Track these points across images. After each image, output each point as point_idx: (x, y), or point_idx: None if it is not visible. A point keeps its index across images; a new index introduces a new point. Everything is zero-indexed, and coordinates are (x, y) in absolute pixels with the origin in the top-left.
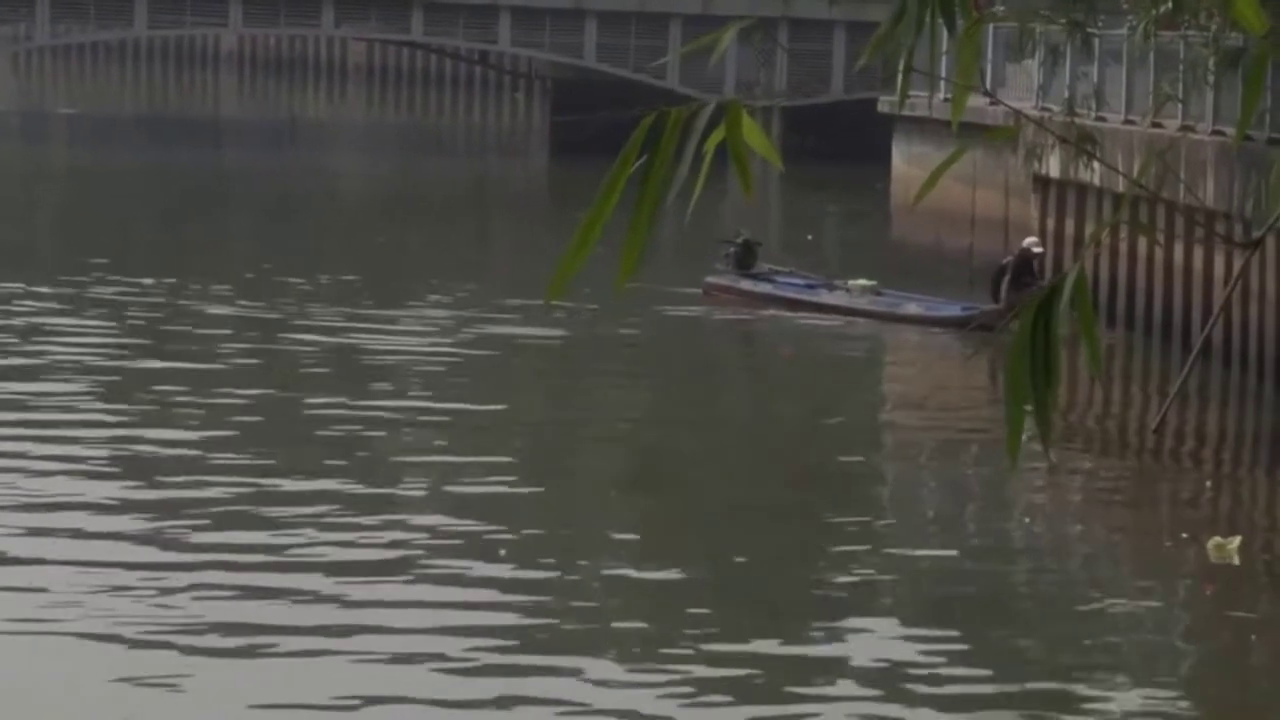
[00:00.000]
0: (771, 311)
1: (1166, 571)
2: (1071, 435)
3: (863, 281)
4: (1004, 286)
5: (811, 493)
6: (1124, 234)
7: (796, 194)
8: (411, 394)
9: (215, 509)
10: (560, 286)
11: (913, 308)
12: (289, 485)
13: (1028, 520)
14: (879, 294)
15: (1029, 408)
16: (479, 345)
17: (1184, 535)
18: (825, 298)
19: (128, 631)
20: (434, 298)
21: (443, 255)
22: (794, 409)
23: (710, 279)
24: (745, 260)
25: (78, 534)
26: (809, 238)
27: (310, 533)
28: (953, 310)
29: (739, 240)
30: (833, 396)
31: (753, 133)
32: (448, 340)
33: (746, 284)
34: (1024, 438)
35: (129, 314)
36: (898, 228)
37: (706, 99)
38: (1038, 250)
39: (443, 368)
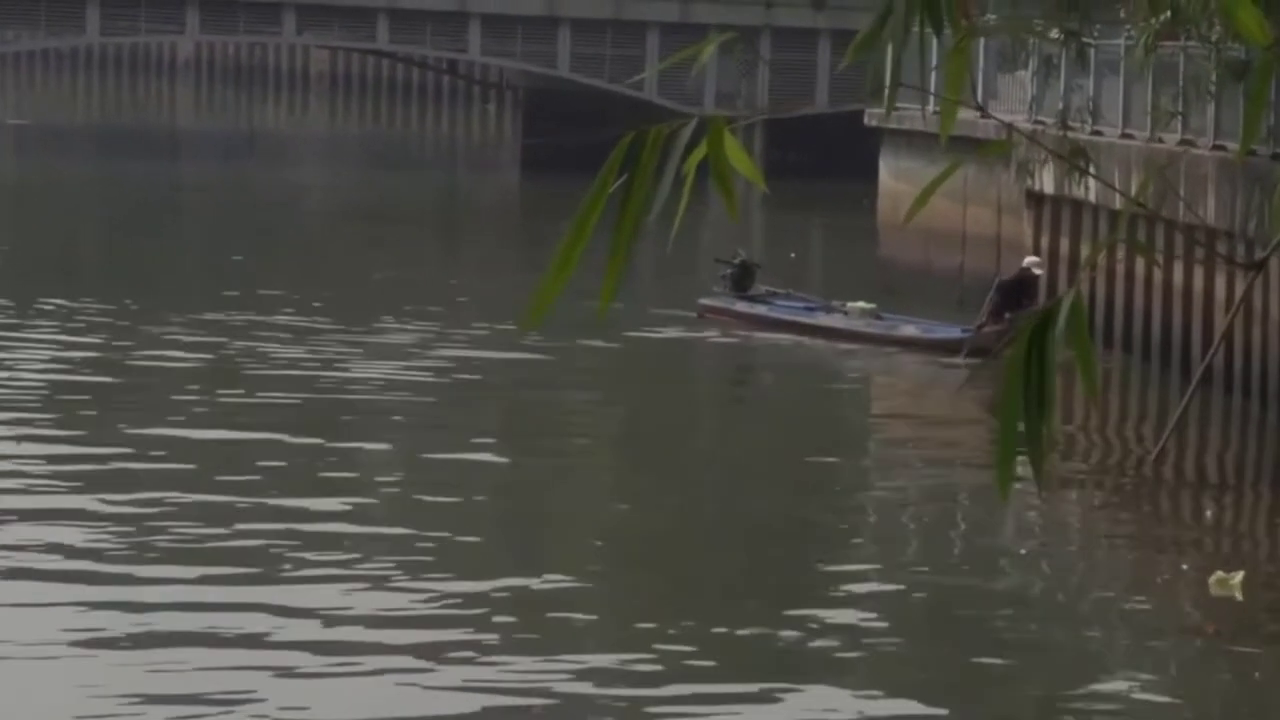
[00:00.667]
0: (767, 334)
1: (1166, 607)
2: (1066, 465)
3: (861, 304)
4: (985, 306)
5: (794, 527)
6: (1121, 254)
7: (779, 211)
8: (375, 423)
9: (164, 540)
10: (539, 313)
11: (910, 331)
12: (244, 523)
13: (1021, 553)
14: (879, 317)
15: (1021, 438)
16: (449, 371)
17: (1184, 569)
18: (822, 320)
19: (76, 665)
20: (400, 320)
21: (409, 275)
22: (781, 437)
23: (705, 300)
24: (742, 281)
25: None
26: (792, 256)
27: (268, 570)
28: (951, 333)
29: (736, 261)
30: (821, 424)
31: (736, 153)
32: (415, 366)
33: (742, 306)
34: (1016, 469)
35: (72, 335)
36: (885, 246)
37: (685, 111)
38: (1038, 272)
39: (410, 395)
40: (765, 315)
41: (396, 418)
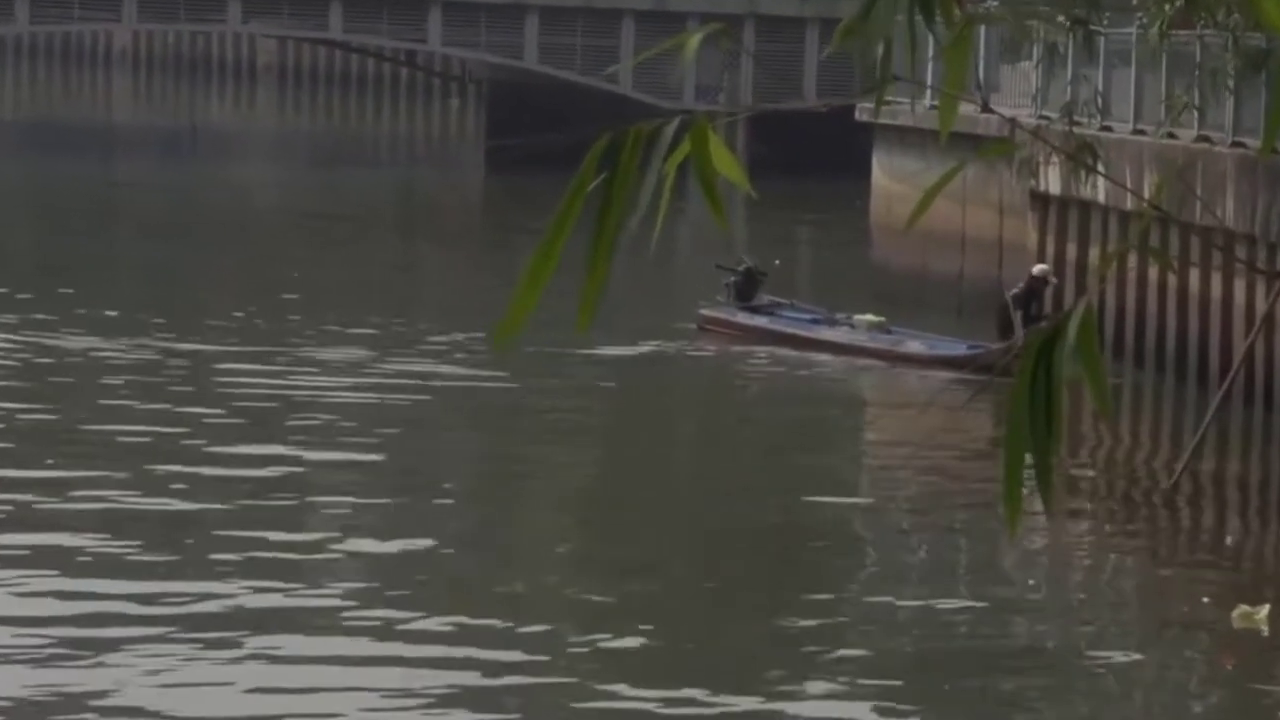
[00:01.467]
0: (769, 348)
1: (1184, 642)
2: (1077, 489)
3: (869, 317)
4: (1016, 322)
5: (785, 561)
6: (1133, 260)
7: (764, 212)
8: (330, 450)
9: (96, 564)
10: (511, 330)
11: (915, 346)
12: (187, 554)
13: (1029, 584)
14: (887, 331)
15: (1029, 461)
16: (410, 389)
17: (1205, 601)
18: (824, 334)
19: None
20: (357, 333)
21: (364, 283)
22: (773, 461)
23: (705, 311)
24: (746, 291)
25: None
26: (776, 263)
27: (220, 598)
28: (957, 349)
29: (740, 268)
30: (816, 448)
31: (721, 156)
32: (372, 383)
33: (743, 317)
34: (1024, 493)
35: None
36: (878, 250)
37: (663, 106)
38: (1053, 280)
39: (370, 418)
40: (766, 328)
41: (352, 439)
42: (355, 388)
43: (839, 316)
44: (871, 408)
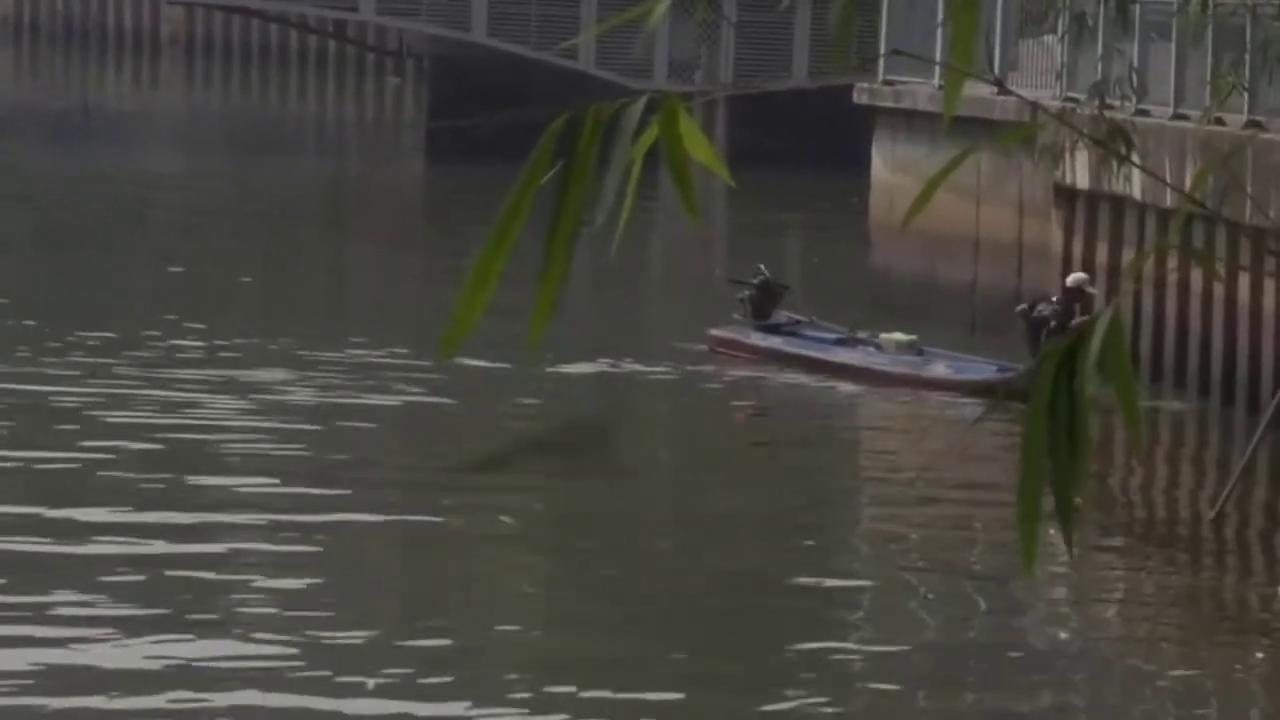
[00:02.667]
0: (784, 374)
1: (1227, 697)
2: (1105, 529)
3: (897, 336)
4: (1042, 340)
5: (784, 602)
6: (1173, 262)
7: (746, 208)
8: (249, 491)
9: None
10: (456, 339)
11: (939, 369)
12: (84, 607)
13: (1051, 631)
14: (918, 352)
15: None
16: (347, 415)
17: (1259, 657)
18: (842, 356)
19: None
20: (281, 347)
21: (286, 289)
22: (773, 499)
23: (715, 331)
24: (763, 307)
25: None
26: (760, 268)
27: (128, 647)
28: (985, 372)
29: (756, 280)
30: (821, 483)
31: (695, 140)
32: (299, 407)
33: (756, 338)
34: (1044, 529)
35: None
36: (879, 254)
37: (630, 86)
38: (1090, 290)
39: (295, 444)
40: (781, 350)
41: (273, 479)
42: (280, 413)
43: (861, 335)
44: (882, 440)
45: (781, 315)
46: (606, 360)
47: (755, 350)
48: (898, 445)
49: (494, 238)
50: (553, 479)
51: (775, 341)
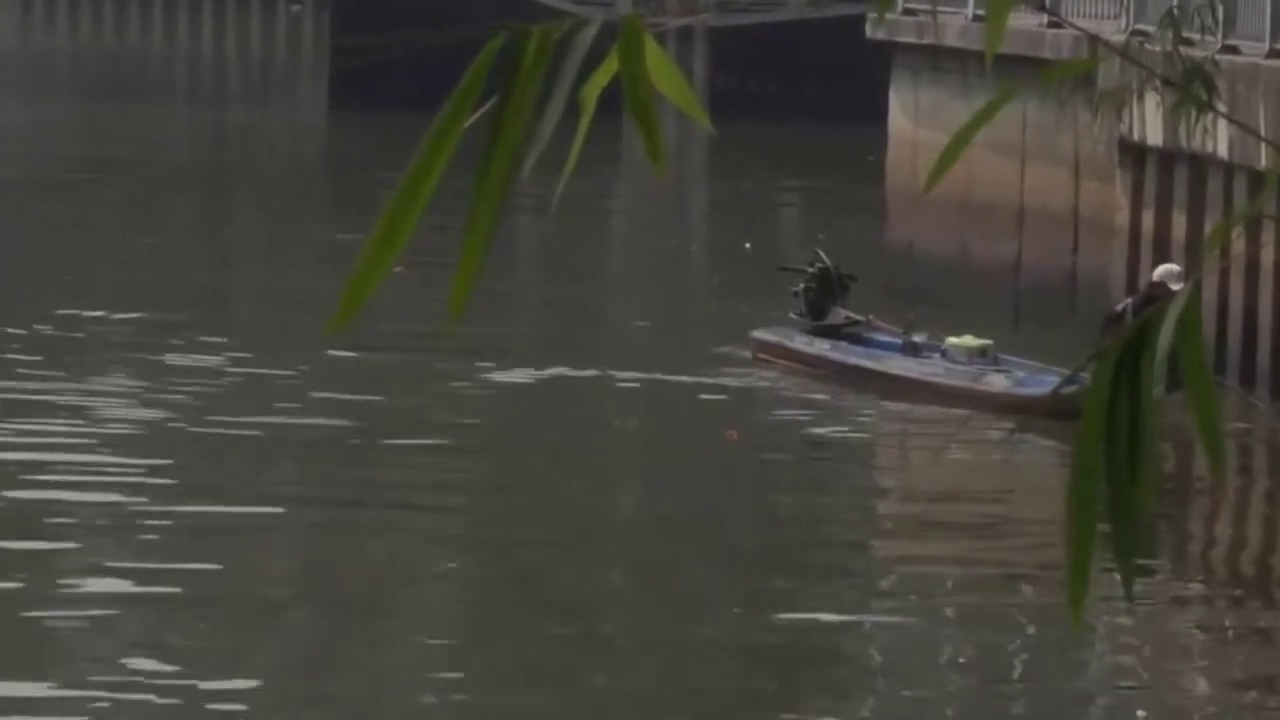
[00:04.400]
0: (829, 385)
1: None
2: (1173, 570)
3: (968, 340)
4: None
5: (801, 655)
6: (1268, 237)
7: (730, 168)
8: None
9: None
10: (350, 309)
11: (999, 382)
12: None
13: (1102, 702)
14: (993, 360)
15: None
16: (221, 411)
17: None
18: (894, 366)
19: None
20: (146, 339)
21: (158, 265)
22: (790, 539)
23: (759, 334)
24: (820, 301)
25: None
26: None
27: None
28: (1048, 385)
29: (814, 268)
30: (847, 517)
31: (663, 70)
32: (180, 410)
33: (801, 342)
34: (1096, 572)
35: None
36: (898, 227)
37: (581, 13)
38: (1177, 287)
39: (187, 455)
40: (827, 357)
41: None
42: (154, 416)
43: (919, 339)
44: (920, 469)
45: (839, 314)
46: (633, 371)
47: (800, 357)
48: (928, 471)
49: (406, 186)
50: (564, 508)
51: (822, 347)
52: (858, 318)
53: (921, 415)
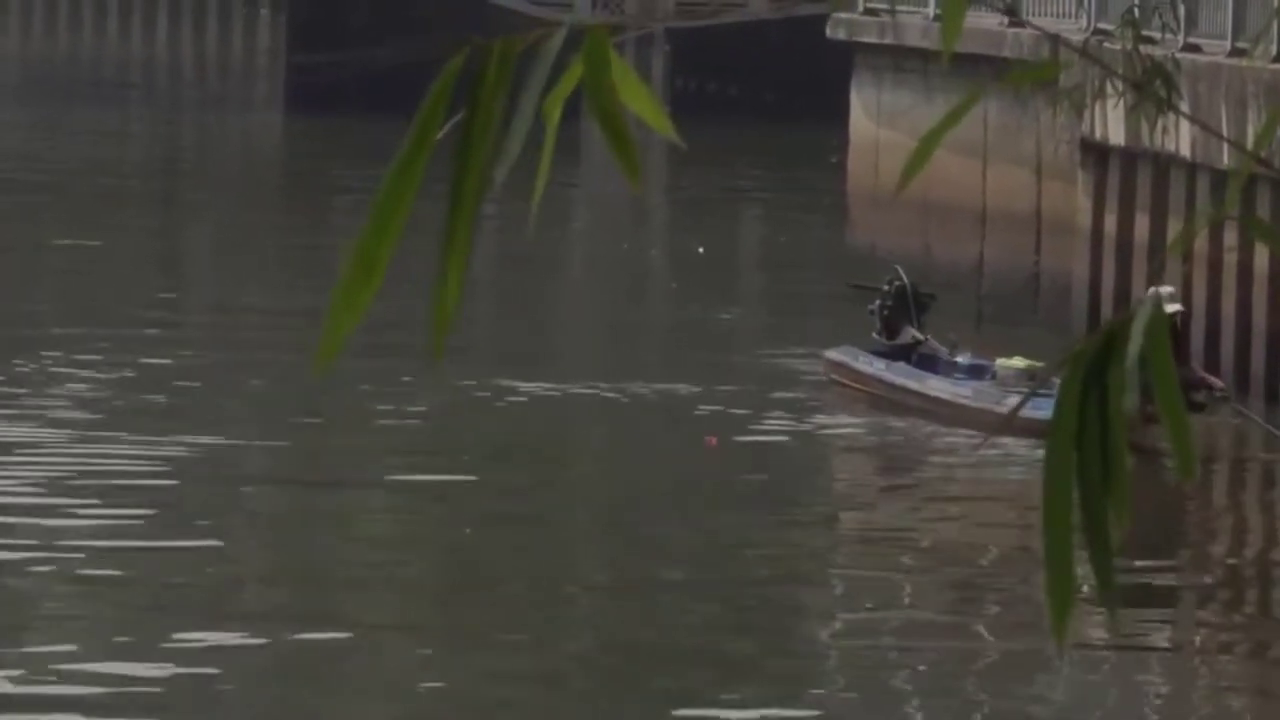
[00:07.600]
0: (887, 410)
1: None
2: (1154, 579)
3: (1016, 362)
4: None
5: (782, 674)
6: (1231, 238)
7: (689, 170)
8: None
9: None
10: (331, 350)
11: (1013, 403)
12: None
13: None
14: (1045, 384)
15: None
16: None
17: None
18: (933, 388)
19: None
20: (99, 360)
21: (108, 278)
22: (780, 555)
23: (830, 354)
24: (895, 320)
25: None
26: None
27: None
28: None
29: (889, 287)
30: (823, 527)
31: (629, 84)
32: (139, 438)
33: (863, 363)
34: (1077, 588)
35: None
36: (858, 227)
37: (543, 17)
38: (1173, 308)
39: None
40: (883, 378)
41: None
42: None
43: (962, 359)
44: (921, 473)
45: (908, 334)
46: (716, 387)
47: (862, 378)
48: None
49: (378, 214)
50: (542, 516)
51: (879, 368)
52: (921, 337)
53: (933, 430)
